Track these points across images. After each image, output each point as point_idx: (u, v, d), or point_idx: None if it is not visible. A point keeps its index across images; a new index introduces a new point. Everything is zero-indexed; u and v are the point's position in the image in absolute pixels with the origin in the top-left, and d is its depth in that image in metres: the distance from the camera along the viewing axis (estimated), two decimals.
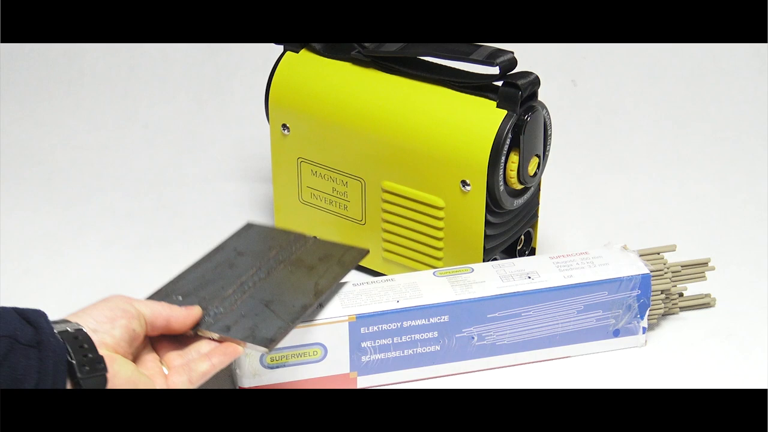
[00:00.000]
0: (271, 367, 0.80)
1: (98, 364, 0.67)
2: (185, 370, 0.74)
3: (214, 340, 0.77)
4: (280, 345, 0.80)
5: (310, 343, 0.81)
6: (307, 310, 0.79)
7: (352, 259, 0.87)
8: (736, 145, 1.26)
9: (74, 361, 0.66)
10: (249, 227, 0.93)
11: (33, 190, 1.17)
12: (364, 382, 0.83)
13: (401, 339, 0.83)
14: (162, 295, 0.82)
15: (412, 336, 0.83)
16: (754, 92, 1.34)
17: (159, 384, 0.73)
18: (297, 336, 0.80)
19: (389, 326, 0.82)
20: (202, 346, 0.77)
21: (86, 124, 1.32)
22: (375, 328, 0.82)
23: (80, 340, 0.67)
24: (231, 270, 0.86)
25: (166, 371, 0.75)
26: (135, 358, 0.74)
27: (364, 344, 0.82)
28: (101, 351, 0.68)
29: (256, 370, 0.80)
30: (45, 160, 1.24)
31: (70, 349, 0.66)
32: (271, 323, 0.78)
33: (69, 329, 0.68)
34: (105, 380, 0.67)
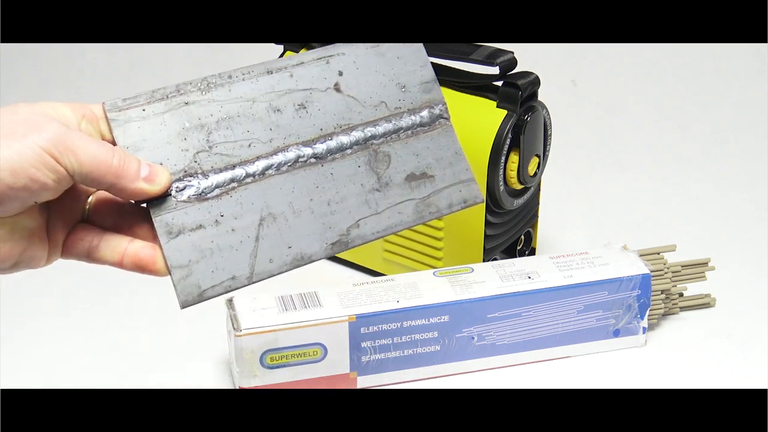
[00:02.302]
0: (271, 367, 0.80)
1: None
2: (79, 251, 0.60)
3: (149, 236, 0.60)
4: (280, 345, 0.80)
5: (310, 343, 0.81)
6: (302, 263, 0.63)
7: (460, 199, 0.68)
8: (736, 145, 1.26)
9: None
10: (388, 49, 0.69)
11: None
12: (364, 382, 0.83)
13: (401, 339, 0.83)
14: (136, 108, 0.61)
15: (412, 336, 0.83)
16: (754, 92, 1.34)
17: (39, 258, 0.60)
18: (297, 336, 0.80)
19: (389, 326, 0.82)
20: (121, 241, 0.60)
21: None
22: (375, 328, 0.82)
23: None
24: (293, 114, 0.65)
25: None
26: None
27: (364, 344, 0.82)
28: None
29: (255, 370, 0.80)
30: None
31: None
32: (234, 259, 0.61)
33: None
34: None
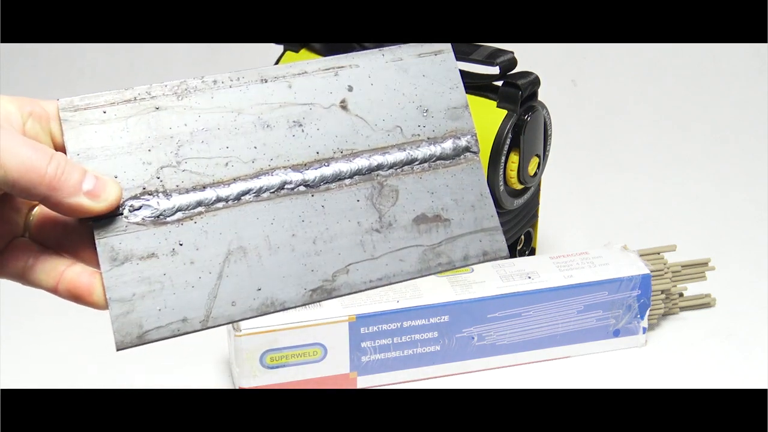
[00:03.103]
0: (271, 367, 0.80)
1: None
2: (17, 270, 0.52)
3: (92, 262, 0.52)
4: (279, 345, 0.80)
5: (310, 343, 0.81)
6: (271, 311, 0.54)
7: (479, 251, 0.58)
8: (736, 145, 1.26)
9: None
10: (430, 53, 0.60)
11: None
12: (364, 382, 0.83)
13: (401, 339, 0.83)
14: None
15: (412, 336, 0.83)
16: (754, 92, 1.34)
17: None
18: (297, 336, 0.80)
19: (389, 326, 0.82)
20: (59, 264, 0.52)
21: None
22: (375, 328, 0.82)
23: None
24: (285, 132, 0.55)
25: None
26: None
27: (364, 344, 0.82)
28: None
29: (255, 370, 0.80)
30: None
31: None
32: (188, 298, 0.52)
33: None
34: None
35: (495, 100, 0.89)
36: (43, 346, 0.90)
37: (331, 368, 0.82)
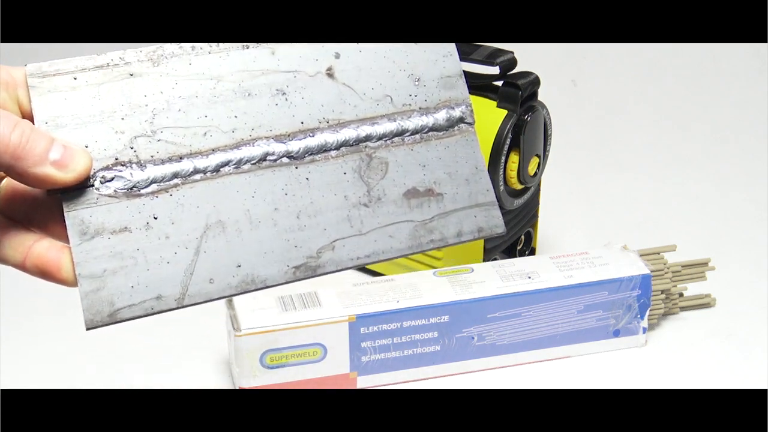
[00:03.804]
0: (271, 367, 0.80)
1: None
2: None
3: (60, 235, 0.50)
4: (279, 345, 0.80)
5: (310, 343, 0.81)
6: (252, 288, 0.51)
7: (474, 227, 0.55)
8: (736, 145, 1.26)
9: None
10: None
11: None
12: (364, 382, 0.83)
13: (401, 339, 0.83)
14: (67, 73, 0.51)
15: (412, 336, 0.83)
16: (754, 92, 1.34)
17: None
18: (297, 336, 0.80)
19: (389, 326, 0.82)
20: (27, 239, 0.49)
21: None
22: (375, 328, 0.82)
23: None
24: (268, 101, 0.53)
25: None
26: None
27: (364, 344, 0.82)
28: None
29: (255, 370, 0.80)
30: None
31: None
32: (163, 274, 0.49)
33: None
34: None
35: (495, 100, 0.89)
36: (43, 346, 0.90)
37: (331, 368, 0.82)
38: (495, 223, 0.55)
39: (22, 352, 0.89)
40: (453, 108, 0.56)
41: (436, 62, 0.56)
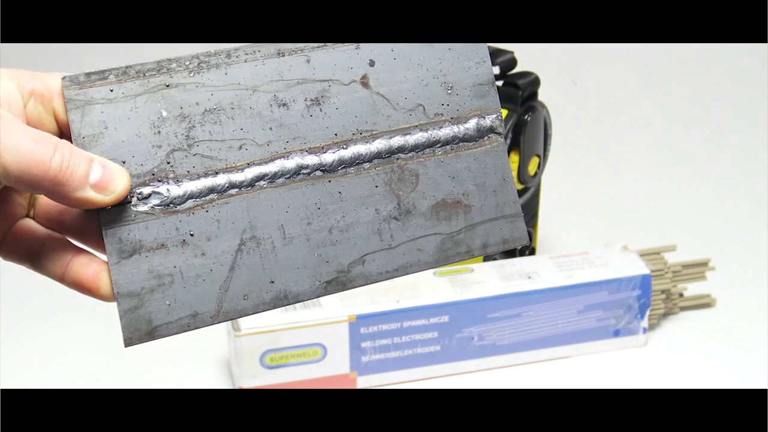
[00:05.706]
0: (271, 367, 0.80)
1: None
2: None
3: (98, 250, 0.50)
4: (279, 345, 0.80)
5: (310, 343, 0.81)
6: (284, 304, 0.51)
7: (499, 239, 0.55)
8: (736, 145, 1.26)
9: None
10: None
11: None
12: (364, 382, 0.83)
13: (401, 339, 0.83)
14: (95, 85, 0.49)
15: (412, 336, 0.83)
16: (754, 92, 1.34)
17: None
18: (297, 336, 0.80)
19: (389, 326, 0.82)
20: (66, 251, 0.50)
21: None
22: (375, 328, 0.82)
23: None
24: (303, 111, 0.52)
25: None
26: None
27: (364, 344, 0.82)
28: None
29: (255, 370, 0.80)
30: None
31: None
32: (199, 291, 0.50)
33: None
34: None
35: None
36: (43, 346, 0.90)
37: (331, 368, 0.82)
38: (520, 234, 0.55)
39: (22, 352, 0.89)
40: (483, 117, 0.55)
41: (469, 69, 0.55)
